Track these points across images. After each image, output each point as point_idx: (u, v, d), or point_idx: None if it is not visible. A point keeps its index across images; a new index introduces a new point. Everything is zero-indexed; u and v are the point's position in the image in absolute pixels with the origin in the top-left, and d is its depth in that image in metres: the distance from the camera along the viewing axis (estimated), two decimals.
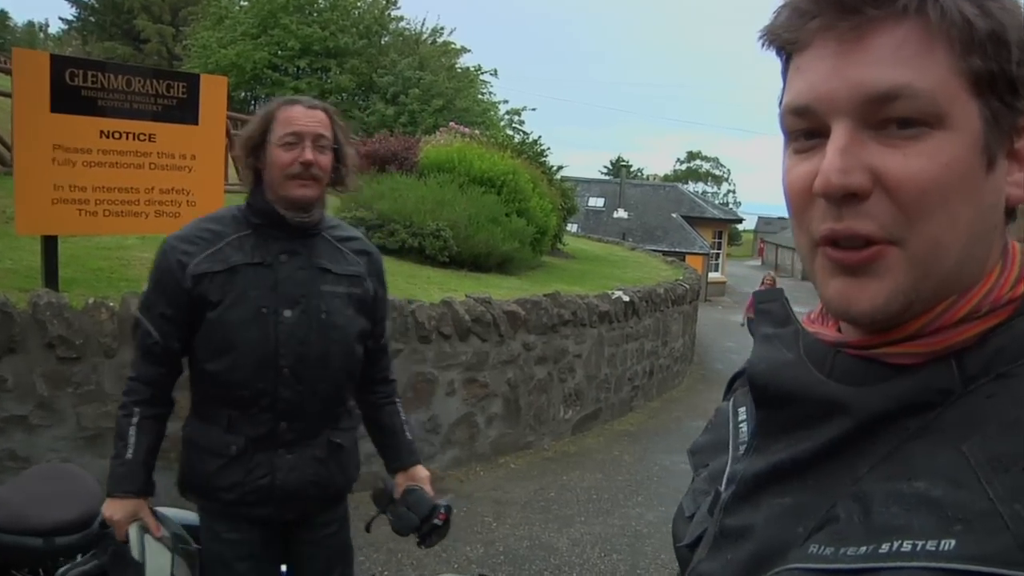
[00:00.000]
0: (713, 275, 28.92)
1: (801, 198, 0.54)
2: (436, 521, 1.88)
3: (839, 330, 0.59)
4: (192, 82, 4.17)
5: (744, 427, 0.64)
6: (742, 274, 47.98)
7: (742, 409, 0.66)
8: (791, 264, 52.36)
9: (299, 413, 1.78)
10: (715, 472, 0.65)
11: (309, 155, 1.72)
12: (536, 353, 5.91)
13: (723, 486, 0.61)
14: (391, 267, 7.75)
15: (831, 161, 0.50)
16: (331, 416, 1.85)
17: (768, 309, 0.65)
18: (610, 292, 7.23)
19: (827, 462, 0.53)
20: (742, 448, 0.62)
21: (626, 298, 7.28)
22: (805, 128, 0.54)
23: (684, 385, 10.04)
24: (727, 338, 16.64)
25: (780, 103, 0.55)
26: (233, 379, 1.73)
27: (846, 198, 0.51)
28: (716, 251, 31.67)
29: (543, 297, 6.01)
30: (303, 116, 1.74)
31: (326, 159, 1.76)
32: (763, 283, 11.86)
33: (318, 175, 1.74)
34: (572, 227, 17.25)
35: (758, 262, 73.30)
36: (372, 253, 1.95)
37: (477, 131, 14.29)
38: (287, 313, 1.75)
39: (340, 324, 1.80)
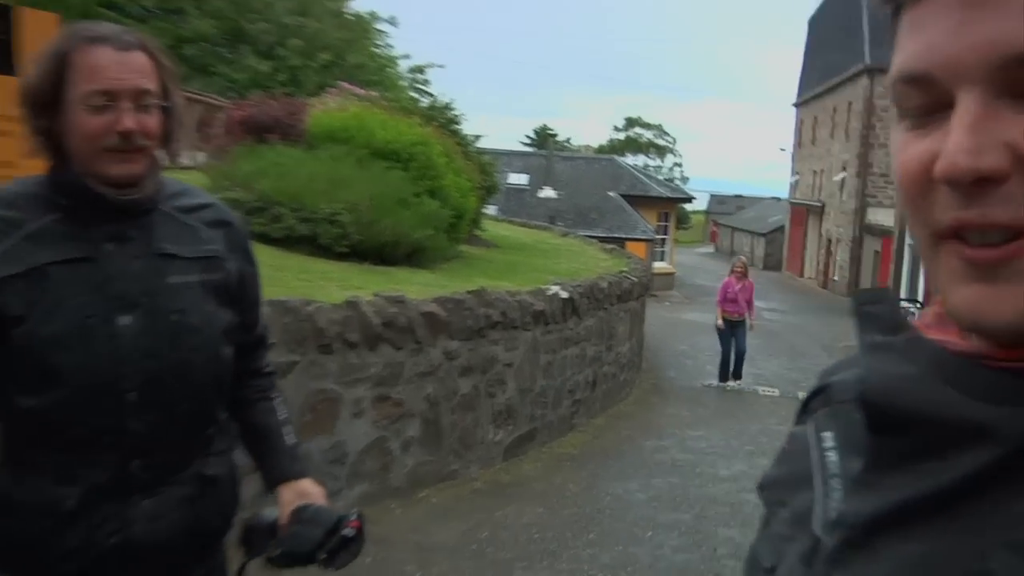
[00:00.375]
0: (659, 265, 29.65)
1: (917, 184, 0.52)
2: (346, 532, 1.69)
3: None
4: (5, 16, 3.85)
5: (833, 456, 0.61)
6: (692, 263, 49.31)
7: (828, 434, 0.63)
8: (750, 250, 54.34)
9: (155, 446, 1.63)
10: (800, 513, 0.62)
11: (129, 122, 1.53)
12: (460, 363, 5.95)
13: (820, 530, 0.58)
14: (276, 260, 7.49)
15: (958, 140, 0.48)
16: (199, 442, 1.72)
17: (875, 312, 0.61)
18: (545, 287, 7.34)
19: (971, 500, 0.51)
20: (835, 483, 0.60)
21: (564, 294, 7.41)
22: (922, 102, 0.51)
23: (633, 397, 10.32)
24: (679, 340, 17.18)
25: (889, 68, 0.53)
26: (60, 416, 1.56)
27: (978, 183, 0.48)
28: (662, 236, 32.45)
29: (467, 295, 6.05)
30: (115, 65, 1.53)
31: (153, 121, 1.57)
32: (734, 269, 12.02)
33: (143, 144, 1.56)
34: (490, 209, 17.40)
35: (710, 248, 75.53)
36: (231, 223, 1.80)
37: (375, 93, 14.17)
38: (124, 320, 1.59)
39: (198, 324, 1.67)
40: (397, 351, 5.36)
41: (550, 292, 7.21)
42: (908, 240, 18.80)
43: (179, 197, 1.72)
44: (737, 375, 12.01)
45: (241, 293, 1.79)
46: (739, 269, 11.97)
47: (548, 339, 7.18)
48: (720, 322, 11.82)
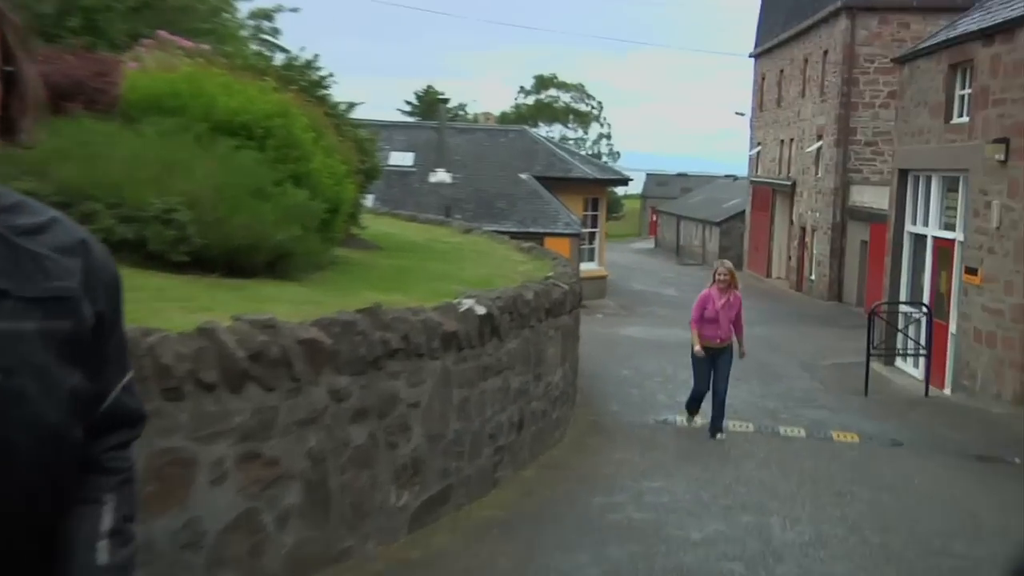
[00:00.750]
0: (587, 267, 30.16)
1: None
2: None
3: None
4: None
5: None
6: (628, 263, 50.16)
7: None
8: (700, 244, 55.66)
9: None
10: None
11: None
12: (351, 404, 5.94)
13: None
14: None
15: None
16: (22, 566, 1.64)
17: None
18: (456, 302, 7.39)
19: None
20: None
21: (481, 310, 7.49)
22: None
23: (568, 440, 10.52)
24: (619, 362, 17.53)
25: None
26: None
27: None
28: (590, 230, 32.99)
29: (357, 315, 6.05)
30: None
31: None
32: (716, 278, 11.51)
33: None
34: (367, 200, 17.41)
35: (649, 243, 76.93)
36: (90, 248, 1.76)
37: (206, 46, 13.91)
38: None
39: (30, 391, 1.59)
40: (268, 393, 5.30)
41: (463, 308, 7.28)
42: (910, 226, 19.53)
43: (13, 212, 1.67)
44: (717, 426, 11.48)
45: (97, 346, 1.73)
46: (723, 277, 11.42)
47: (463, 369, 7.23)
48: (698, 347, 11.36)
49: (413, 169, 30.58)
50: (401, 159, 30.65)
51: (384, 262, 10.90)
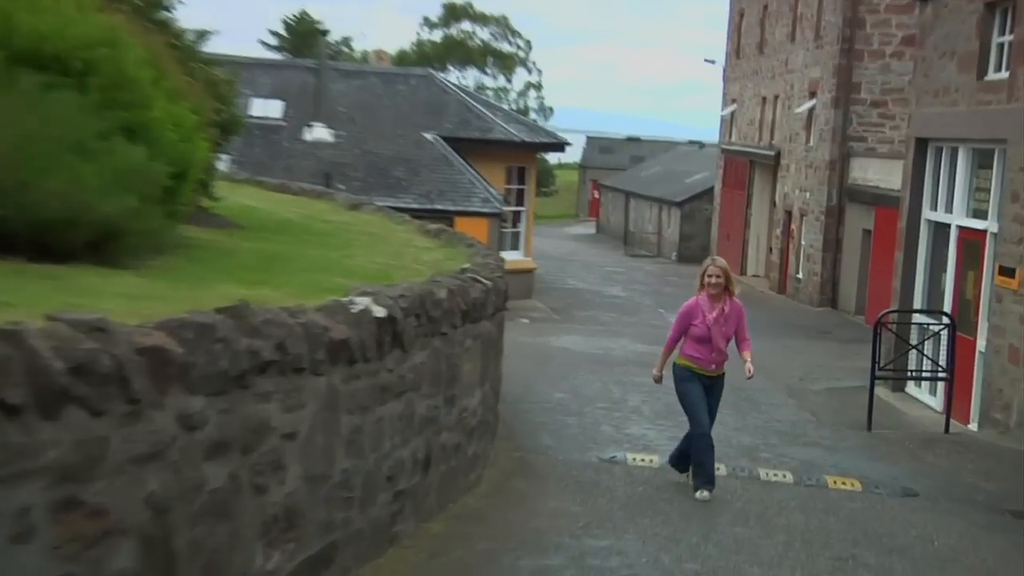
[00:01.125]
0: (510, 256, 30.12)
1: None
2: None
3: None
4: None
5: None
6: (563, 253, 50.51)
7: None
8: (656, 233, 56.17)
9: None
10: None
11: None
12: (207, 434, 5.86)
13: None
14: None
15: None
16: None
17: None
18: (346, 300, 7.35)
19: None
20: None
21: (379, 311, 7.46)
22: None
23: (488, 483, 10.51)
24: (552, 383, 17.69)
25: None
26: None
27: None
28: (515, 208, 33.08)
29: (216, 316, 5.97)
30: None
31: None
32: (706, 281, 11.28)
33: None
34: (221, 161, 17.27)
35: (590, 227, 77.42)
36: None
37: None
38: None
39: None
40: (95, 419, 5.16)
41: (356, 308, 7.22)
42: (928, 212, 19.75)
43: None
44: (708, 479, 11.18)
45: None
46: (715, 280, 11.14)
47: (354, 389, 7.19)
48: (657, 371, 11.39)
49: (282, 123, 30.40)
50: (266, 109, 30.45)
51: (246, 245, 10.86)
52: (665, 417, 14.74)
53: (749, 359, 11.30)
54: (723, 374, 11.39)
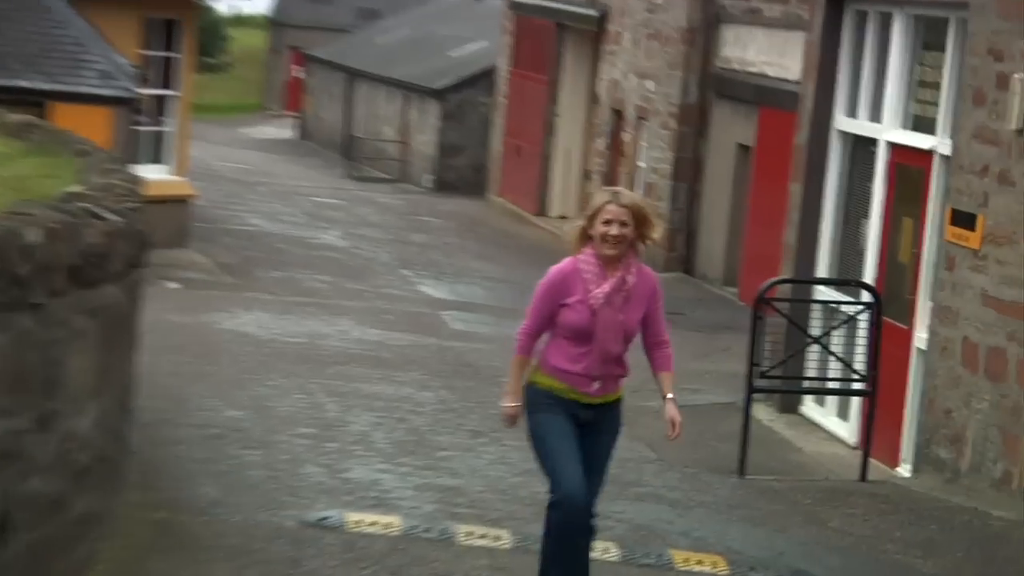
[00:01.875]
0: (152, 174, 23.80)
1: None
2: None
3: None
4: None
5: None
6: (242, 172, 43.84)
7: None
8: (400, 141, 45.91)
9: None
10: None
11: None
12: None
13: None
14: None
15: None
16: None
17: None
18: None
19: None
20: None
21: None
22: None
23: (107, 565, 8.16)
24: (224, 393, 14.55)
25: None
26: None
27: None
28: (158, 91, 28.11)
29: None
30: None
31: None
32: (600, 226, 7.66)
33: None
34: None
35: (286, 128, 63.07)
36: None
37: None
38: None
39: None
40: None
41: None
42: (842, 119, 15.59)
43: None
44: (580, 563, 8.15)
45: None
46: (616, 226, 7.78)
47: None
48: (509, 403, 7.79)
49: None
50: None
51: None
52: (412, 452, 11.73)
53: (671, 394, 7.84)
54: (619, 400, 7.94)
